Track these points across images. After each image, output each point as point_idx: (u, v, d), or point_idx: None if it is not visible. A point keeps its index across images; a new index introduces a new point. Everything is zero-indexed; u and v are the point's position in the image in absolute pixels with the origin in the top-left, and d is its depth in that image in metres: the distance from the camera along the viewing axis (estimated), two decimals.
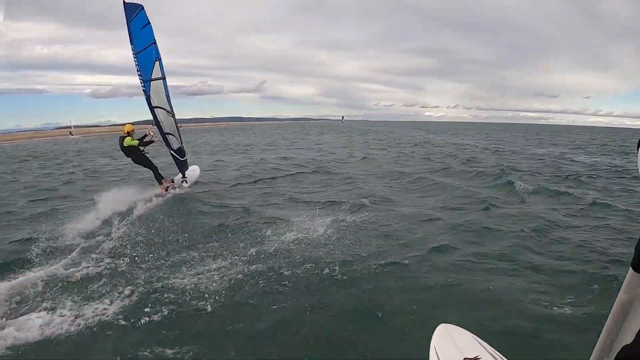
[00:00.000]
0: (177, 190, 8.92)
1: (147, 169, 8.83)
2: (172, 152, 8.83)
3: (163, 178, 8.80)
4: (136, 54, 7.36)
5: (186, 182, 9.40)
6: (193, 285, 4.01)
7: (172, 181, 9.12)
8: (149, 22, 7.45)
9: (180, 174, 9.48)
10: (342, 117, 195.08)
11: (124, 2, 7.01)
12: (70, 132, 72.23)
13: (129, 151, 8.26)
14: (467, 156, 17.35)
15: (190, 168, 10.03)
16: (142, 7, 7.27)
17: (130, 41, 7.23)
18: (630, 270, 0.67)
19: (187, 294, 3.81)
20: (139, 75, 7.54)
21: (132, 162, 8.60)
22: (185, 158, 9.13)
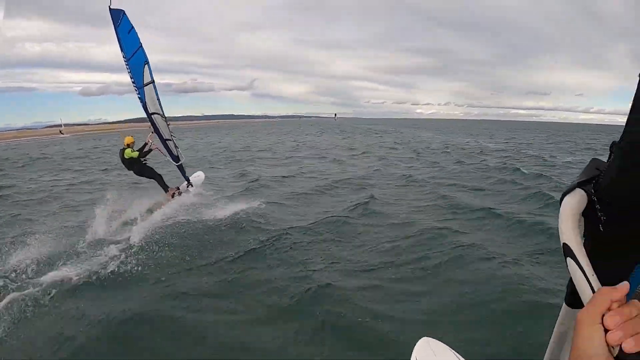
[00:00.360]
0: (184, 196, 8.78)
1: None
2: (171, 159, 8.63)
3: (168, 187, 8.74)
4: (127, 61, 7.10)
5: (192, 187, 9.34)
6: None
7: (178, 188, 9.03)
8: (133, 27, 7.19)
9: (185, 181, 9.44)
10: (335, 115, 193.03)
11: (109, 7, 6.78)
12: (60, 131, 73.53)
13: (130, 163, 8.19)
14: (533, 173, 13.11)
15: (194, 174, 10.13)
16: (124, 12, 7.00)
17: (120, 48, 6.97)
18: (564, 305, 0.72)
19: None
20: (133, 82, 7.27)
21: (134, 174, 8.54)
22: (180, 162, 8.79)
